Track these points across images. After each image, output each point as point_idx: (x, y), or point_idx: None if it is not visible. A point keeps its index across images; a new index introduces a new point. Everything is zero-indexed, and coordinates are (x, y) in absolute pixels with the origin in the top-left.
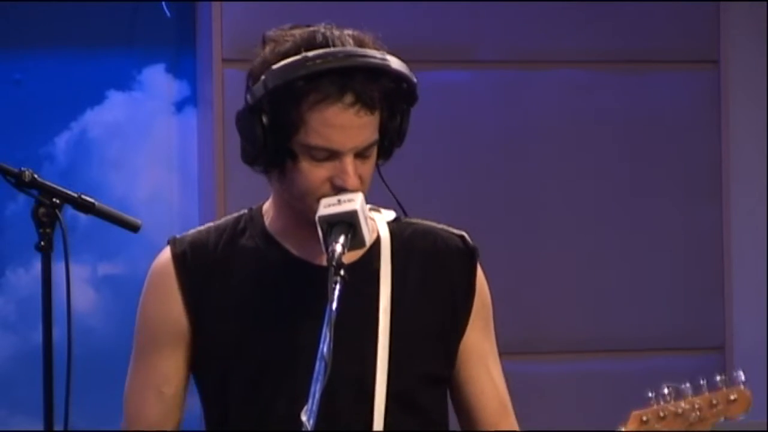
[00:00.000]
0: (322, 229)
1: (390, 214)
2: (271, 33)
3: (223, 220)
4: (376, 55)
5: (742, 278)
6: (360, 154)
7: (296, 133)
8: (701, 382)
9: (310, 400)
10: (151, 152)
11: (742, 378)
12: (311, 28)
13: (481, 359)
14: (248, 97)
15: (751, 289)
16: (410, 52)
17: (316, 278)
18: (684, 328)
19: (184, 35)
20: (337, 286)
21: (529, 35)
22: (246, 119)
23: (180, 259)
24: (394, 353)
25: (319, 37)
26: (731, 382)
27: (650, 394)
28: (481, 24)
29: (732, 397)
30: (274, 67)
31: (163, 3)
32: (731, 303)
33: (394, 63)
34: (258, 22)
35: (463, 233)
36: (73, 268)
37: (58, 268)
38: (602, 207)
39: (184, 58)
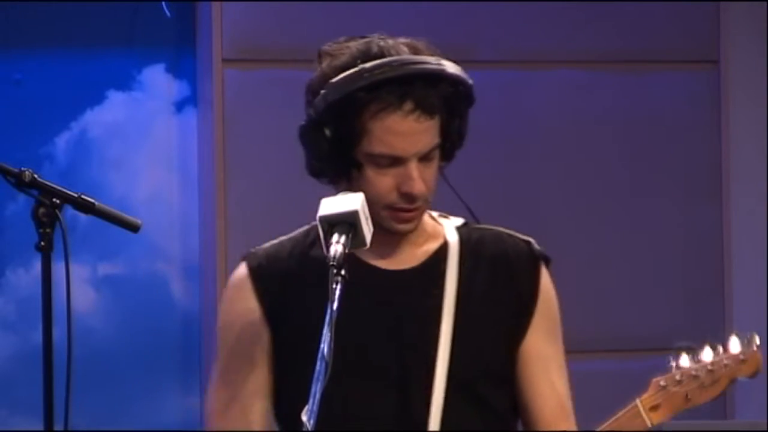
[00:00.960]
0: (322, 229)
1: (458, 221)
2: (326, 47)
3: (294, 232)
4: (431, 61)
5: (742, 278)
6: (423, 158)
7: (359, 143)
8: (718, 347)
9: (310, 400)
10: (151, 152)
11: (757, 342)
12: (366, 40)
13: (541, 362)
14: (310, 111)
15: (751, 289)
16: None
17: (388, 283)
18: (684, 328)
19: (184, 35)
20: (338, 286)
21: (529, 35)
22: (309, 133)
23: (256, 272)
24: (455, 349)
25: (375, 48)
26: (745, 343)
27: (671, 362)
28: (481, 24)
29: (742, 358)
30: (333, 80)
31: (163, 3)
32: (731, 303)
33: (450, 67)
34: (258, 22)
35: (530, 239)
36: (73, 268)
37: (58, 268)
38: (602, 207)
39: (184, 58)
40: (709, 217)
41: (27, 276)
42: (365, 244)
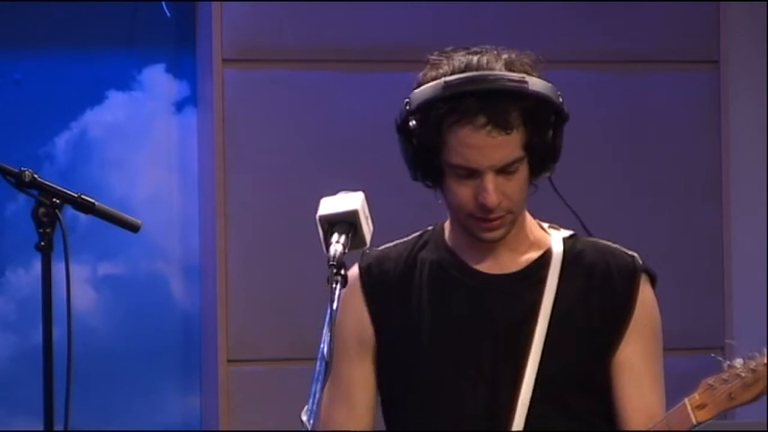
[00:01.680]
0: (322, 229)
1: (567, 232)
2: (432, 56)
3: (411, 236)
4: (513, 77)
5: (742, 278)
6: (502, 171)
7: (440, 153)
8: (765, 350)
9: (309, 400)
10: (151, 152)
11: None
12: (467, 52)
13: (633, 373)
14: (397, 118)
15: (751, 289)
16: (410, 52)
17: (484, 284)
18: (684, 328)
19: (184, 35)
20: (338, 286)
21: (529, 35)
22: (400, 140)
23: (366, 272)
24: (546, 354)
25: (468, 62)
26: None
27: (725, 363)
28: (481, 24)
29: None
30: (416, 90)
31: (163, 3)
32: (731, 303)
33: (533, 85)
34: (258, 22)
35: (635, 254)
36: (73, 268)
37: (58, 268)
38: (602, 207)
39: (184, 58)
40: (709, 217)
41: (27, 276)
42: (365, 244)
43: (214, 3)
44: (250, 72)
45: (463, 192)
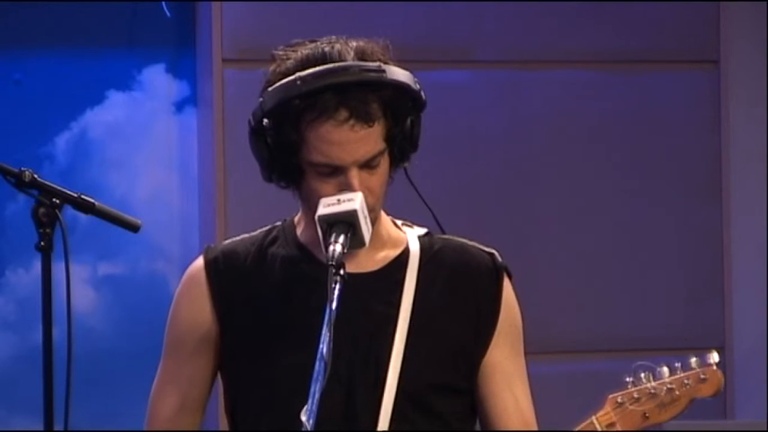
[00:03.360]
0: (321, 229)
1: (421, 230)
2: (277, 51)
3: (257, 231)
4: (371, 67)
5: (742, 278)
6: (365, 166)
7: (299, 151)
8: (676, 364)
9: (309, 400)
10: (151, 152)
11: (716, 359)
12: (313, 44)
13: (504, 377)
14: (251, 119)
15: (751, 289)
16: (410, 52)
17: (345, 285)
18: (684, 328)
19: (184, 35)
20: (337, 286)
21: (529, 35)
22: (253, 141)
23: (212, 266)
24: (407, 359)
25: (318, 54)
26: (704, 362)
27: (628, 378)
28: (480, 24)
29: (703, 377)
30: (270, 89)
31: (163, 3)
32: (731, 303)
33: (391, 73)
34: (258, 22)
35: (493, 251)
36: (73, 268)
37: (58, 268)
38: (602, 207)
39: (184, 58)
40: (709, 217)
41: (27, 276)
42: (364, 244)
43: (214, 3)
44: (250, 72)
45: (326, 190)
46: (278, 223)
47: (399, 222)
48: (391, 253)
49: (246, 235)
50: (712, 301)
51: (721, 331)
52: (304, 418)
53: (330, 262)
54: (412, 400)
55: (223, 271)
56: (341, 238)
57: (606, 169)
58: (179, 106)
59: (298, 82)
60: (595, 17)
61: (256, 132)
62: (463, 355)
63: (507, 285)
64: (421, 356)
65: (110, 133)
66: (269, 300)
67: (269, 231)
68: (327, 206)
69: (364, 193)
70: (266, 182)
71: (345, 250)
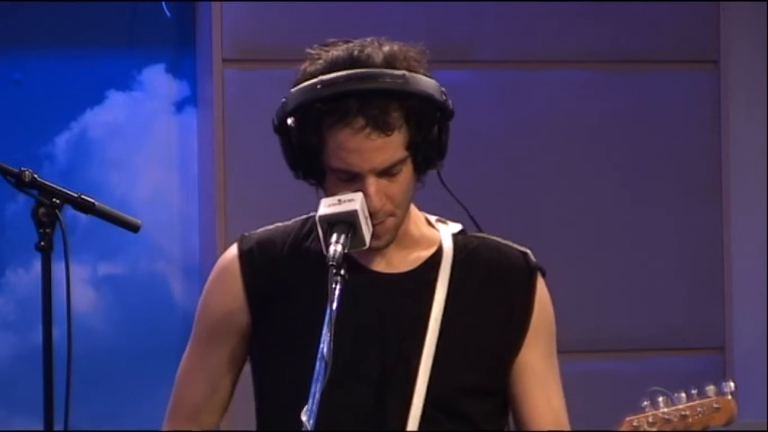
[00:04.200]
0: (322, 229)
1: (456, 227)
2: (310, 49)
3: (291, 221)
4: (394, 75)
5: (742, 278)
6: (384, 173)
7: (320, 154)
8: (692, 391)
9: (309, 400)
10: (151, 152)
11: (732, 388)
12: (345, 46)
13: (536, 377)
14: (274, 118)
15: (751, 289)
16: None
17: (373, 283)
18: (684, 328)
19: (184, 35)
20: (337, 286)
21: (529, 35)
22: (280, 140)
23: (246, 256)
24: (438, 360)
25: (347, 57)
26: (720, 391)
27: (645, 402)
28: (480, 24)
29: (716, 406)
30: (294, 89)
31: (163, 3)
32: (731, 303)
33: (415, 82)
34: (258, 22)
35: (527, 250)
36: (73, 268)
37: (58, 268)
38: (602, 207)
39: (184, 58)
40: (709, 217)
41: (27, 276)
42: (364, 244)
43: (214, 3)
44: (250, 72)
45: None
46: (313, 214)
47: (433, 219)
48: (424, 254)
49: (281, 224)
50: (712, 302)
51: (721, 331)
52: (304, 417)
53: (330, 262)
54: (441, 402)
55: (258, 263)
56: (342, 239)
57: (606, 169)
58: (179, 106)
59: (319, 86)
60: (595, 17)
61: (281, 131)
62: (496, 355)
63: (541, 284)
64: (452, 358)
65: (110, 133)
66: (302, 294)
67: (304, 222)
68: (328, 206)
69: (383, 200)
70: (296, 180)
71: (345, 251)
